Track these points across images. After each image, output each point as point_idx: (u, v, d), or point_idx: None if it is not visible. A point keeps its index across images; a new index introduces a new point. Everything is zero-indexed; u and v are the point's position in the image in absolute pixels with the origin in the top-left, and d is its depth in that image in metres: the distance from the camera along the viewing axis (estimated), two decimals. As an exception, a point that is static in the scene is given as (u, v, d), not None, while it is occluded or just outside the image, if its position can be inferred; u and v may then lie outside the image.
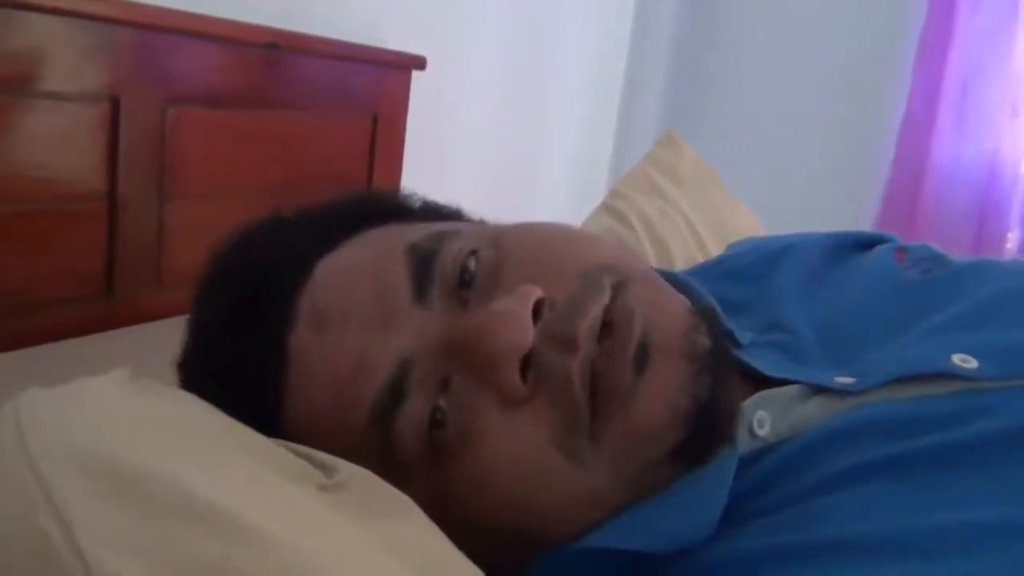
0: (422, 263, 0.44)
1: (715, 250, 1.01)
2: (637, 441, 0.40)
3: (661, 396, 0.40)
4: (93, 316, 0.99)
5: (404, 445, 0.41)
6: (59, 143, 0.93)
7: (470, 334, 0.41)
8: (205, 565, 0.30)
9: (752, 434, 0.44)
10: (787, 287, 0.56)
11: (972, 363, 0.42)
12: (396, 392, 0.41)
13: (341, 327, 0.43)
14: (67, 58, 0.91)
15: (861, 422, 0.42)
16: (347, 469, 0.38)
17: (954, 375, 0.42)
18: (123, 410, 0.37)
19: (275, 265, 0.46)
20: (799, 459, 0.41)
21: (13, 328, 0.91)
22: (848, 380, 0.44)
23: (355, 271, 0.45)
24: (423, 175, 1.43)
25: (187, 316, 0.50)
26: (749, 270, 0.61)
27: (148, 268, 1.05)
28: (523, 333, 0.40)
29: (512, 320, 0.40)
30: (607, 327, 0.41)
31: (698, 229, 1.07)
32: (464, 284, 0.43)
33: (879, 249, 0.59)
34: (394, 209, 0.53)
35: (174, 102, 1.03)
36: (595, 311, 0.41)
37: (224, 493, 0.32)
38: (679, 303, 0.45)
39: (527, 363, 0.40)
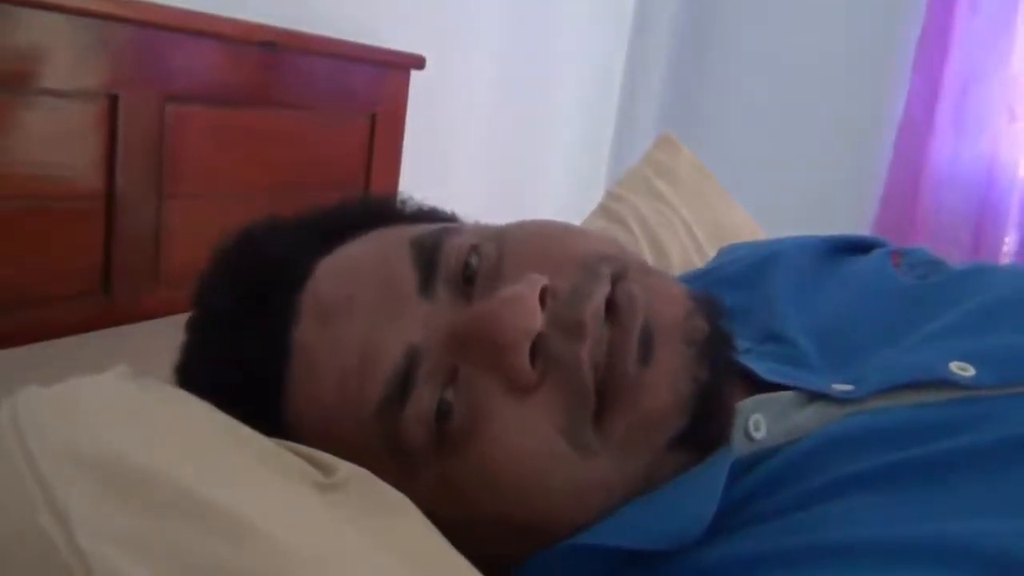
0: (426, 255, 0.44)
1: (712, 252, 1.01)
2: (643, 429, 0.40)
3: (665, 383, 0.40)
4: (91, 314, 0.98)
5: (411, 436, 0.41)
6: (57, 141, 0.93)
7: (478, 321, 0.40)
8: (203, 563, 0.30)
9: (748, 437, 0.43)
10: (780, 293, 0.56)
11: (969, 371, 0.42)
12: (403, 383, 0.41)
13: (346, 318, 0.43)
14: (65, 55, 0.91)
15: (859, 430, 0.42)
16: (346, 468, 0.38)
17: (951, 383, 0.42)
18: (122, 408, 0.37)
19: (277, 263, 0.46)
20: (796, 466, 0.41)
21: (11, 325, 0.90)
22: (846, 387, 0.44)
23: (359, 264, 0.45)
24: (422, 175, 1.43)
25: (187, 316, 0.50)
26: (737, 278, 0.61)
27: (146, 266, 1.04)
28: (532, 317, 0.39)
29: (521, 304, 0.40)
30: (610, 312, 0.41)
31: (695, 231, 1.07)
32: (467, 280, 0.43)
33: (874, 254, 0.59)
34: (391, 213, 0.54)
35: (173, 100, 1.03)
36: (599, 297, 0.41)
37: (223, 491, 0.33)
38: (677, 288, 0.45)
39: (535, 350, 0.40)
